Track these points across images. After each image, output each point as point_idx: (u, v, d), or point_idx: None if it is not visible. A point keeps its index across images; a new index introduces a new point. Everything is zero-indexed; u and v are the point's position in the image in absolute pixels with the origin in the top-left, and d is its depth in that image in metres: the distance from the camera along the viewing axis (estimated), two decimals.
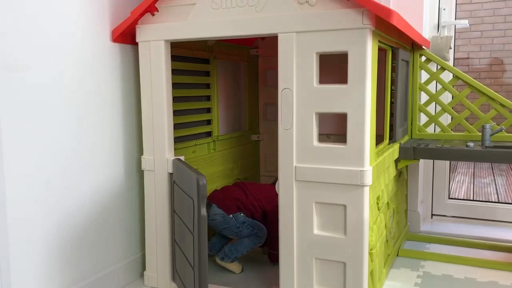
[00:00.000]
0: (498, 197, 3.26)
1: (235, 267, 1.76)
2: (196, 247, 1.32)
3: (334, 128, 2.17)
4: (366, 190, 1.34)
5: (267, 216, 1.78)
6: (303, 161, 1.40)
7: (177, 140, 1.77)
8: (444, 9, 2.37)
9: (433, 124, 2.07)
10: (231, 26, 1.44)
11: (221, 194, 1.80)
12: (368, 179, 1.33)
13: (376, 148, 1.47)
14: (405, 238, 2.12)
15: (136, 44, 1.60)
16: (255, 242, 1.76)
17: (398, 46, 1.69)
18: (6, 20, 1.25)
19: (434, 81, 2.03)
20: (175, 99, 1.70)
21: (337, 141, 1.43)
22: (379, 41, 1.41)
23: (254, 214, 1.76)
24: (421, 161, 2.31)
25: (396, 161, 1.78)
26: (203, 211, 1.30)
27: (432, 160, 2.42)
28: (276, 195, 1.50)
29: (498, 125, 1.85)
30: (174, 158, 1.57)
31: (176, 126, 1.73)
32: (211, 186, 1.98)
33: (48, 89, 1.38)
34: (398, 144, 1.77)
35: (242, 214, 1.73)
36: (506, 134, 1.85)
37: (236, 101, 2.36)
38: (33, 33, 1.32)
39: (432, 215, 2.48)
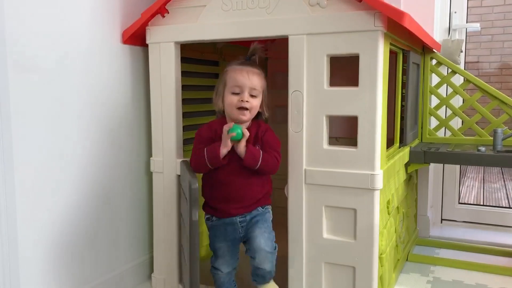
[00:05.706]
0: (508, 202, 3.22)
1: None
2: (186, 250, 1.29)
3: (343, 131, 2.15)
4: (377, 194, 1.33)
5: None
6: (313, 164, 1.39)
7: (186, 142, 1.76)
8: (455, 12, 2.35)
9: (444, 128, 2.05)
10: (241, 28, 1.44)
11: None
12: (379, 183, 1.32)
13: (386, 151, 1.45)
14: (415, 243, 2.10)
15: (146, 45, 1.60)
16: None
17: (409, 49, 1.68)
18: (18, 22, 1.25)
19: (445, 85, 2.01)
20: (184, 101, 1.69)
21: (346, 144, 1.42)
22: (391, 44, 1.40)
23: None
24: (431, 165, 2.29)
25: (406, 165, 1.77)
26: (194, 214, 1.25)
27: (442, 165, 2.40)
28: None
29: (510, 129, 1.83)
30: (182, 160, 1.57)
31: (185, 128, 1.72)
32: None
33: (58, 90, 1.38)
34: (409, 148, 1.76)
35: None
36: None
37: None
38: (43, 34, 1.33)
39: (442, 219, 2.46)
